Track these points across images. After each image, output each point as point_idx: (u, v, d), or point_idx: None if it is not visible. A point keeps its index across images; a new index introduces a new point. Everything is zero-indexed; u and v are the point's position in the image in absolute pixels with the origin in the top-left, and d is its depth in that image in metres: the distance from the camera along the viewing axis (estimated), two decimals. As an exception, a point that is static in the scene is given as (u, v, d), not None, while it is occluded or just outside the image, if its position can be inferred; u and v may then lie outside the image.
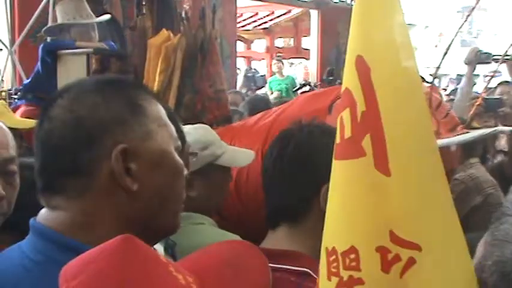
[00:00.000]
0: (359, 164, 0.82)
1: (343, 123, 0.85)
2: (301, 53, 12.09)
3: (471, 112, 2.60)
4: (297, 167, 1.35)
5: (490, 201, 2.75)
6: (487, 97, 3.48)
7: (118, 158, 0.94)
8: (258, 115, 2.48)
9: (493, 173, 3.47)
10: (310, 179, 1.32)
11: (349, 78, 0.85)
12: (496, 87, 5.74)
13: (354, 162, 0.83)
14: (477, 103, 2.51)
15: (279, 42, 12.88)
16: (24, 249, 0.97)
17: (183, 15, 2.56)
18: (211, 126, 2.53)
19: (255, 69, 8.55)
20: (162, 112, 1.04)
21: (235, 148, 2.01)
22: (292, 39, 12.66)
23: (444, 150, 2.04)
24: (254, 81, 8.46)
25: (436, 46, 30.03)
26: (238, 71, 8.66)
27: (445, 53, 2.16)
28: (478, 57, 3.70)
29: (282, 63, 10.43)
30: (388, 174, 0.80)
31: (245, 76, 8.53)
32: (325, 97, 2.26)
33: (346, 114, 0.85)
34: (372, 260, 0.81)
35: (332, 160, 0.87)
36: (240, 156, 1.96)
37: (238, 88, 8.38)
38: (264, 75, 7.97)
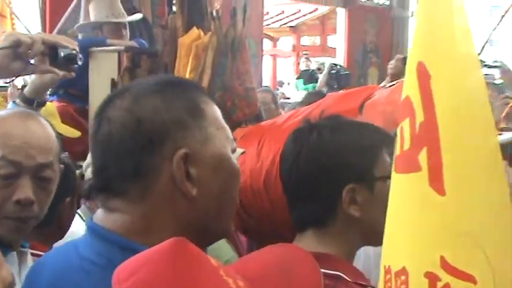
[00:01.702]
0: (414, 179, 0.77)
1: (403, 134, 0.80)
2: (327, 51, 12.05)
3: (503, 113, 2.58)
4: (313, 172, 1.33)
5: None
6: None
7: (179, 163, 0.93)
8: (288, 113, 2.48)
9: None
10: (328, 182, 1.31)
11: (410, 85, 0.81)
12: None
13: (409, 176, 0.78)
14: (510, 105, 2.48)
15: (305, 41, 12.84)
16: (81, 250, 0.97)
17: (214, 14, 2.57)
18: (241, 124, 2.55)
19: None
20: (219, 114, 1.04)
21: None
22: (318, 37, 12.63)
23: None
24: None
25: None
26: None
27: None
28: None
29: (310, 61, 10.40)
30: (443, 193, 0.74)
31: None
32: (355, 97, 2.25)
33: (405, 124, 0.80)
34: (420, 285, 0.75)
35: (349, 157, 0.81)
36: None
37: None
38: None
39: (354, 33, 9.75)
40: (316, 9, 11.62)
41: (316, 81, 8.71)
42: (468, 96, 0.78)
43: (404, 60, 2.69)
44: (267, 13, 11.77)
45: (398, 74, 2.62)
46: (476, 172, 0.76)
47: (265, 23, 11.45)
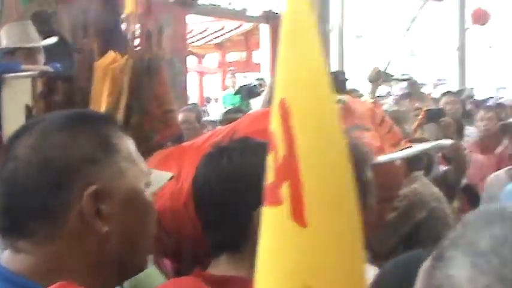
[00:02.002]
0: (278, 212, 0.78)
1: (268, 167, 0.81)
2: (252, 66, 12.17)
3: (415, 124, 2.68)
4: (225, 197, 1.32)
5: (434, 215, 2.80)
6: (428, 108, 3.60)
7: (89, 200, 0.91)
8: (208, 133, 2.48)
9: (438, 182, 3.57)
10: (240, 206, 1.29)
11: (273, 120, 0.82)
12: (440, 97, 5.94)
13: (273, 210, 0.79)
14: (420, 116, 2.59)
15: (231, 57, 12.94)
16: None
17: (129, 36, 2.56)
18: (162, 146, 2.53)
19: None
20: (133, 148, 1.02)
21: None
22: (243, 53, 12.75)
23: (389, 165, 2.10)
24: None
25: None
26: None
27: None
28: (380, 76, 3.84)
29: (235, 77, 10.49)
30: (304, 226, 0.75)
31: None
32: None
33: (270, 158, 0.81)
34: None
35: (260, 180, 0.83)
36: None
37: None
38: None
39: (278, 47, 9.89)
40: (240, 26, 11.74)
41: (256, 97, 8.80)
42: (325, 131, 0.81)
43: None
44: (192, 31, 11.79)
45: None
46: (335, 202, 0.78)
47: (190, 40, 11.47)
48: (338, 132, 0.81)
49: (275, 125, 0.82)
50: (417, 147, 2.15)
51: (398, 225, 2.70)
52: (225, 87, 10.92)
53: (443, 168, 3.79)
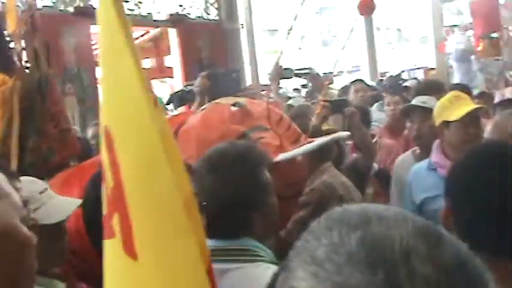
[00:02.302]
0: (112, 245, 0.77)
1: (103, 198, 0.80)
2: (165, 72, 12.03)
3: (316, 118, 2.71)
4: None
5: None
6: (332, 99, 3.65)
7: None
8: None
9: (349, 170, 3.64)
10: None
11: (102, 149, 0.80)
12: (350, 85, 6.06)
13: (109, 242, 0.78)
14: (319, 108, 2.62)
15: (142, 64, 12.73)
16: None
17: (16, 57, 2.45)
18: (61, 167, 2.44)
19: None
20: (2, 180, 0.95)
21: (60, 199, 1.85)
22: (154, 59, 12.57)
23: (291, 162, 2.11)
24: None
25: (299, 48, 31.26)
26: None
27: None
28: (281, 73, 3.90)
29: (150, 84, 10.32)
30: (135, 258, 0.74)
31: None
32: (170, 125, 2.26)
33: (103, 189, 0.79)
34: None
35: None
36: (59, 209, 1.80)
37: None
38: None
39: (188, 51, 9.83)
40: (147, 32, 11.56)
41: (187, 102, 8.63)
42: (148, 160, 0.78)
43: (208, 76, 2.73)
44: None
45: (203, 92, 2.67)
46: (164, 231, 0.76)
47: (97, 51, 11.18)
48: (162, 160, 0.79)
49: (103, 154, 0.80)
50: (316, 142, 2.17)
51: (313, 220, 2.73)
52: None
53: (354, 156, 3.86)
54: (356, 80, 6.20)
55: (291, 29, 2.10)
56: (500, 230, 1.18)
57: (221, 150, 1.70)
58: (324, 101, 3.23)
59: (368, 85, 6.52)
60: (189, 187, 0.86)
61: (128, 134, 0.78)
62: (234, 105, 2.16)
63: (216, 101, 2.28)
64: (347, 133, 2.99)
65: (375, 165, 3.95)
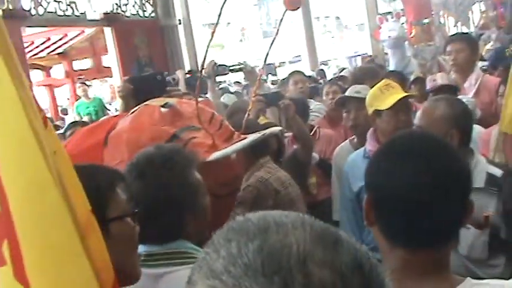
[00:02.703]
0: (4, 273, 0.74)
1: None
2: (103, 71, 11.83)
3: (250, 113, 2.71)
4: None
5: (280, 201, 2.86)
6: (266, 93, 3.66)
7: None
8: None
9: (289, 162, 3.66)
10: None
11: None
12: (288, 77, 6.08)
13: (1, 271, 0.74)
14: (251, 104, 2.61)
15: (78, 65, 12.46)
16: None
17: None
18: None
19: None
20: None
21: None
22: (90, 59, 12.33)
23: (224, 161, 2.11)
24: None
25: (240, 41, 31.25)
26: None
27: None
28: (216, 70, 3.90)
29: (87, 86, 10.15)
30: (27, 286, 0.72)
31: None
32: (100, 130, 2.22)
33: None
34: None
35: None
36: None
37: None
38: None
39: (125, 50, 9.68)
40: (83, 32, 11.33)
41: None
42: (35, 186, 0.77)
43: (130, 80, 2.69)
44: (32, 42, 11.21)
45: (127, 96, 2.62)
46: (55, 260, 0.75)
47: (31, 53, 10.90)
48: (49, 184, 0.77)
49: None
50: (248, 139, 2.17)
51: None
52: (76, 97, 10.53)
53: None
54: (294, 72, 6.22)
55: (217, 24, 2.09)
56: (409, 221, 1.20)
57: (148, 154, 1.68)
58: (258, 95, 3.23)
59: (307, 76, 6.57)
60: (87, 206, 0.83)
61: (12, 159, 0.76)
62: (163, 106, 2.14)
63: (146, 102, 2.25)
64: (279, 128, 3.00)
65: (316, 156, 3.99)
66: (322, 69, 12.03)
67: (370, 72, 4.92)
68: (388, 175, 1.24)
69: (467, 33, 7.18)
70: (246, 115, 2.59)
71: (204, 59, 2.23)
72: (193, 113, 2.07)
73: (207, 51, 2.15)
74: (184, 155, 1.70)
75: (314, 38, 13.45)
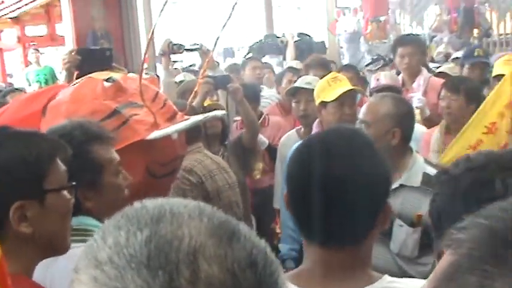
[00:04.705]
0: None
1: None
2: (56, 40, 11.51)
3: (197, 95, 2.69)
4: None
5: (204, 191, 2.87)
6: (215, 75, 3.65)
7: None
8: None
9: (234, 146, 3.67)
10: None
11: None
12: (246, 61, 6.06)
13: None
14: (198, 85, 2.60)
15: (32, 31, 12.11)
16: None
17: None
18: None
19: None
20: None
21: None
22: (44, 26, 11.99)
23: (166, 140, 2.09)
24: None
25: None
26: None
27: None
28: (171, 48, 3.90)
29: (39, 53, 9.90)
30: None
31: None
32: (39, 99, 2.17)
33: None
34: None
35: (22, 174, 0.76)
36: None
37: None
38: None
39: (81, 20, 9.41)
40: (38, -3, 10.99)
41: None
42: None
43: (78, 51, 2.64)
44: (-16, 4, 10.82)
45: (72, 67, 2.58)
46: None
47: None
48: None
49: None
50: (190, 120, 2.16)
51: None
52: (27, 63, 10.25)
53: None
54: (252, 58, 6.21)
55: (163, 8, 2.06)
56: (321, 218, 1.20)
57: (53, 128, 1.67)
58: (207, 77, 3.22)
59: (263, 63, 6.58)
60: None
61: None
62: (107, 80, 2.10)
63: (90, 75, 2.21)
64: (222, 111, 3.00)
65: (266, 141, 4.02)
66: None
67: (321, 62, 4.96)
68: (303, 170, 1.24)
69: (416, 35, 7.29)
70: (191, 96, 2.57)
71: (152, 34, 2.20)
72: (137, 89, 2.05)
73: (153, 31, 2.12)
74: (86, 130, 1.67)
75: (273, 25, 13.40)
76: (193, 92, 2.53)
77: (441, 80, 3.91)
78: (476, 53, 4.72)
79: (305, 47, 5.24)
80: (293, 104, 3.68)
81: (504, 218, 0.52)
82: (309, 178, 1.21)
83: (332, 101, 2.89)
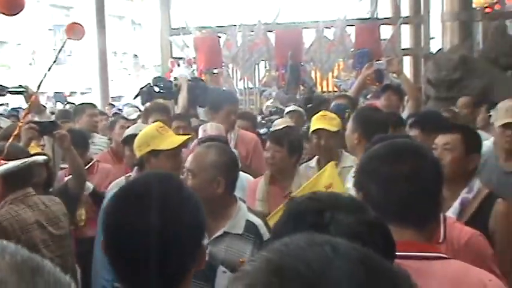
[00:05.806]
0: None
1: None
2: None
3: (14, 139, 2.57)
4: None
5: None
6: (41, 120, 3.51)
7: None
8: None
9: (60, 193, 3.51)
10: None
11: None
12: (81, 107, 5.89)
13: None
14: (17, 130, 2.48)
15: None
16: None
17: None
18: None
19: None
20: None
21: None
22: None
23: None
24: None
25: (30, 64, 29.53)
26: None
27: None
28: None
29: None
30: None
31: None
32: None
33: None
34: None
35: None
36: None
37: None
38: None
39: None
40: None
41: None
42: None
43: None
44: None
45: None
46: None
47: None
48: None
49: None
50: (5, 166, 2.05)
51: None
52: None
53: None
54: (89, 104, 6.06)
55: None
56: (125, 263, 1.23)
57: None
58: (31, 122, 3.08)
59: (101, 112, 6.45)
60: None
61: None
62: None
63: None
64: (43, 157, 2.88)
65: (91, 185, 3.91)
66: (112, 104, 11.87)
67: (162, 108, 4.94)
68: (115, 217, 1.26)
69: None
70: (10, 140, 2.44)
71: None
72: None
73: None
74: None
75: (107, 71, 13.21)
76: (13, 136, 2.41)
77: (251, 134, 4.16)
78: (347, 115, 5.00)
79: (199, 91, 5.22)
80: (127, 152, 3.64)
81: (281, 251, 0.60)
82: (121, 226, 1.22)
83: (168, 149, 2.91)
